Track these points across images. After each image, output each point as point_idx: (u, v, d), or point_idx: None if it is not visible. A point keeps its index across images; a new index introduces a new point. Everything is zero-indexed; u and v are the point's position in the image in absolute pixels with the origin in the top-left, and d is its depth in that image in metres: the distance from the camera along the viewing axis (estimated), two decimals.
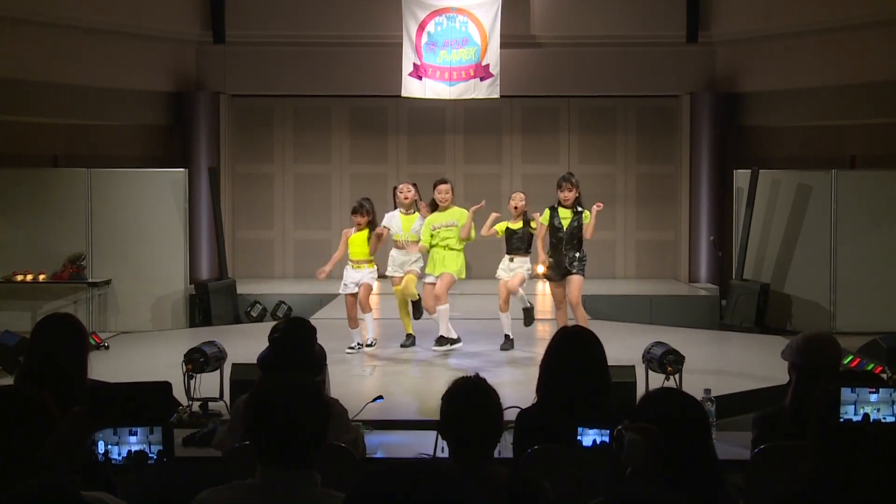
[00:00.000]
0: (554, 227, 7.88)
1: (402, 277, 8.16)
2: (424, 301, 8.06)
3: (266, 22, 13.06)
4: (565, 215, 7.88)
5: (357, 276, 7.99)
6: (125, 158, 12.67)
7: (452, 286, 8.02)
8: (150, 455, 2.68)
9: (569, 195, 7.85)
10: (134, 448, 2.68)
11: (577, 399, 3.30)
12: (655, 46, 13.11)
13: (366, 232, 8.01)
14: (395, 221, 8.24)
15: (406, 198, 8.23)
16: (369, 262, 8.04)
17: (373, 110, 13.94)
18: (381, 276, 8.56)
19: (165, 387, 4.27)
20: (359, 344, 8.03)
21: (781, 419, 3.42)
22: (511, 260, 8.08)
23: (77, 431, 2.51)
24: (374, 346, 8.11)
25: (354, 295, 7.99)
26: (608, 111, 13.92)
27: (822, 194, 11.41)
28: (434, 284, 7.92)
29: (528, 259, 8.10)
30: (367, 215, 8.02)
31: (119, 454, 2.67)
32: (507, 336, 8.17)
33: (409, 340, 8.32)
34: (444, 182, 8.16)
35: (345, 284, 8.08)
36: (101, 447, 2.65)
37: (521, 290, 8.06)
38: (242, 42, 13.09)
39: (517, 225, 8.10)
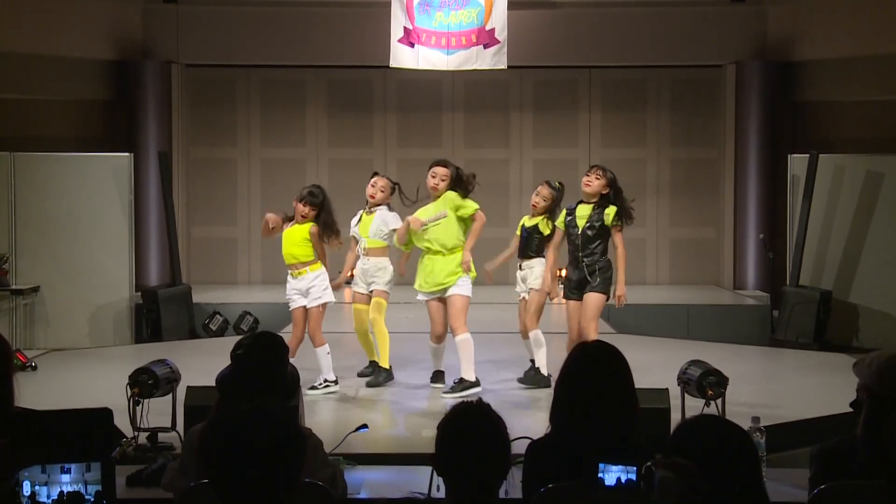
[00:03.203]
0: (568, 232, 7.34)
1: (366, 295, 7.76)
2: (433, 327, 7.53)
3: None
4: (583, 213, 7.28)
5: (301, 284, 7.47)
6: (57, 140, 12.66)
7: (468, 304, 7.45)
8: (86, 497, 2.68)
9: (594, 182, 7.22)
10: (67, 489, 2.67)
11: (598, 429, 3.30)
12: (694, 6, 13.12)
13: (307, 227, 7.43)
14: (354, 223, 7.87)
15: (373, 196, 7.79)
16: (313, 263, 7.47)
17: (355, 84, 13.94)
18: (345, 282, 8.25)
19: (105, 414, 4.28)
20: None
21: (847, 453, 3.42)
22: (520, 268, 7.71)
23: None
24: (332, 388, 7.49)
25: (305, 307, 7.49)
26: (637, 84, 13.93)
27: None
28: (440, 301, 7.44)
29: (539, 262, 7.61)
30: (315, 208, 7.46)
31: (48, 496, 2.67)
32: (532, 362, 7.74)
33: (372, 369, 7.90)
34: (441, 164, 7.54)
35: (290, 299, 7.52)
36: (26, 488, 2.65)
37: (539, 334, 7.59)
38: (199, 1, 13.08)
39: (532, 221, 7.70)
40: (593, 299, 7.18)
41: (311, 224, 7.43)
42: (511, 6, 11.84)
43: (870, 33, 12.11)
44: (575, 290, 7.29)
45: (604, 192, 7.27)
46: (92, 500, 2.70)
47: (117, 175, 11.62)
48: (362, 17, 12.77)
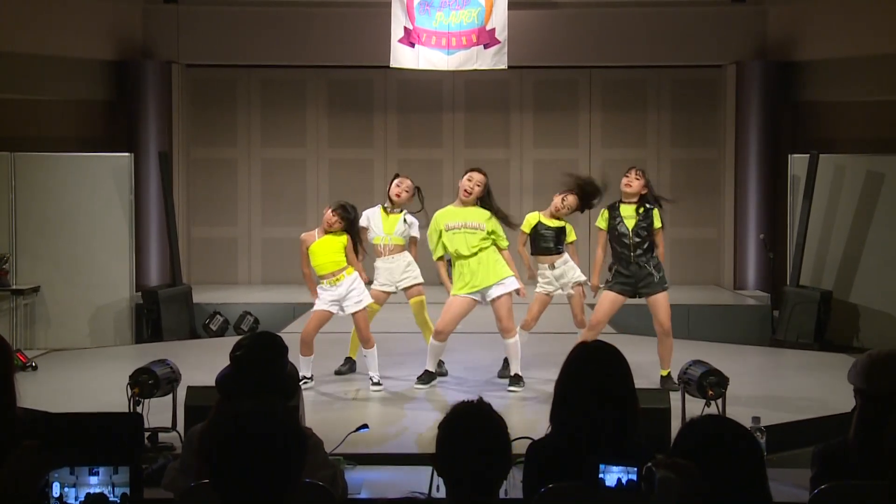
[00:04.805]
0: (617, 233, 7.56)
1: (387, 293, 7.91)
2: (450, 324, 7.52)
3: None
4: (628, 213, 7.57)
5: (339, 291, 7.45)
6: (57, 140, 12.65)
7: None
8: (111, 499, 2.69)
9: (635, 182, 7.53)
10: (94, 491, 2.68)
11: (598, 429, 3.30)
12: (694, 6, 13.12)
13: (341, 238, 7.49)
14: (374, 220, 7.92)
15: (398, 195, 7.87)
16: (347, 268, 7.48)
17: (356, 84, 13.94)
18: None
19: (136, 419, 4.30)
20: (306, 378, 7.37)
21: (847, 454, 3.43)
22: (553, 266, 7.99)
23: (28, 469, 2.50)
24: (381, 387, 7.54)
25: (330, 312, 7.53)
26: (637, 84, 13.92)
27: None
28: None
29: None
30: (343, 222, 7.49)
31: (76, 498, 2.68)
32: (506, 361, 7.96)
33: (348, 366, 8.08)
34: (480, 171, 7.64)
35: (323, 302, 7.49)
36: (55, 489, 2.66)
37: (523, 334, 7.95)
38: (199, 1, 13.08)
39: (559, 224, 8.05)
40: (665, 297, 7.63)
41: (346, 236, 7.49)
42: (511, 6, 11.84)
43: (870, 33, 12.11)
44: (623, 284, 7.62)
45: (643, 192, 7.62)
46: (118, 501, 2.72)
47: (117, 175, 11.61)
48: (362, 17, 12.77)
